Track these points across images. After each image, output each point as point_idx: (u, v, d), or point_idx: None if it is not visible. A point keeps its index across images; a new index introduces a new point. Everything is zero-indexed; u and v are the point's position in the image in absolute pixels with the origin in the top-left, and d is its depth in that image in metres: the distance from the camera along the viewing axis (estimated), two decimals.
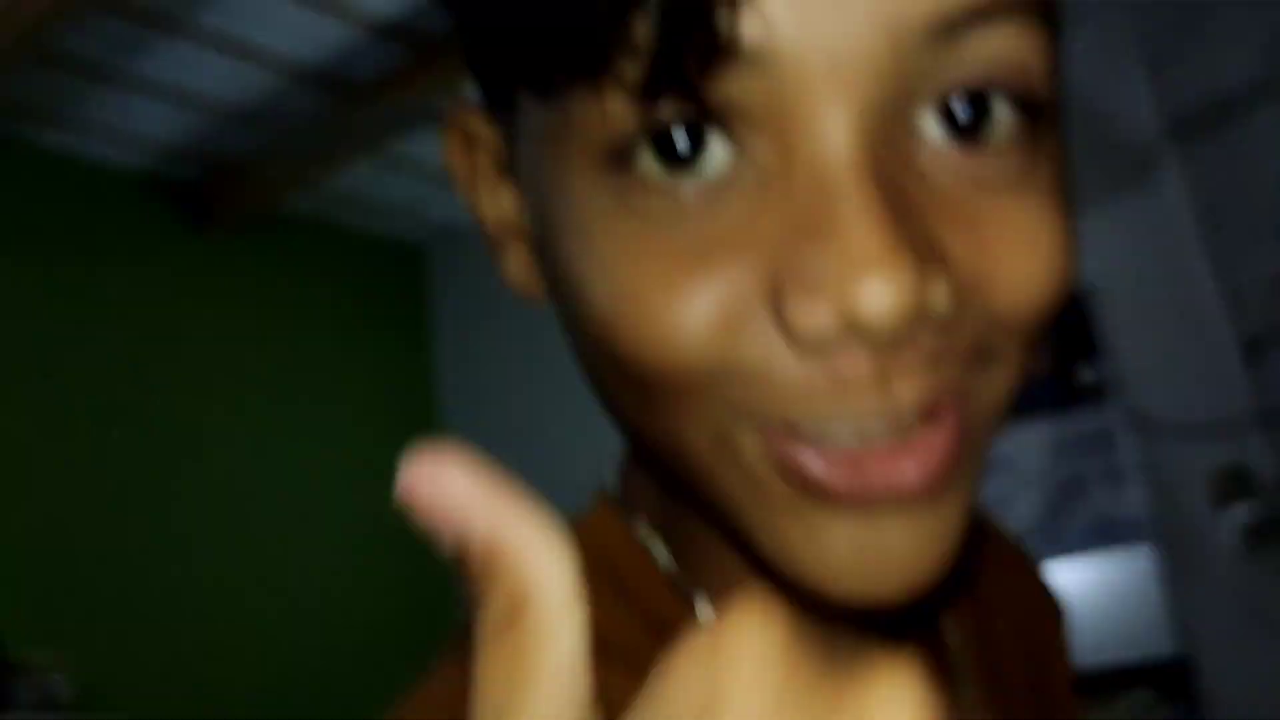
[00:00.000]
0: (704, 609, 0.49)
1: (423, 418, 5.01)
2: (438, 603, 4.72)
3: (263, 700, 4.03)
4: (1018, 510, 3.64)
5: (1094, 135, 3.70)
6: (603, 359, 0.43)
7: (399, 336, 5.08)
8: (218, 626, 4.04)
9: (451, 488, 0.30)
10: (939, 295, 0.39)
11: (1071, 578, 3.46)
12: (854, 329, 0.37)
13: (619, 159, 0.39)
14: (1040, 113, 0.42)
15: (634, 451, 0.54)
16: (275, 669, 4.12)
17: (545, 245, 0.45)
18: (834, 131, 0.37)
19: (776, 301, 0.39)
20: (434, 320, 5.18)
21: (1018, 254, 0.41)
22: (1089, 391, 3.58)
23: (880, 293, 0.36)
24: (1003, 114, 0.41)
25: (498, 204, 0.51)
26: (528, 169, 0.45)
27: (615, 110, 0.38)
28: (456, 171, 0.52)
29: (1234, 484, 3.28)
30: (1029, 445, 3.64)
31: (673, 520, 0.51)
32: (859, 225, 0.36)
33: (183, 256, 4.34)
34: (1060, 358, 3.65)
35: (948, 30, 0.38)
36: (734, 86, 0.38)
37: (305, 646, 4.25)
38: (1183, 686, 3.27)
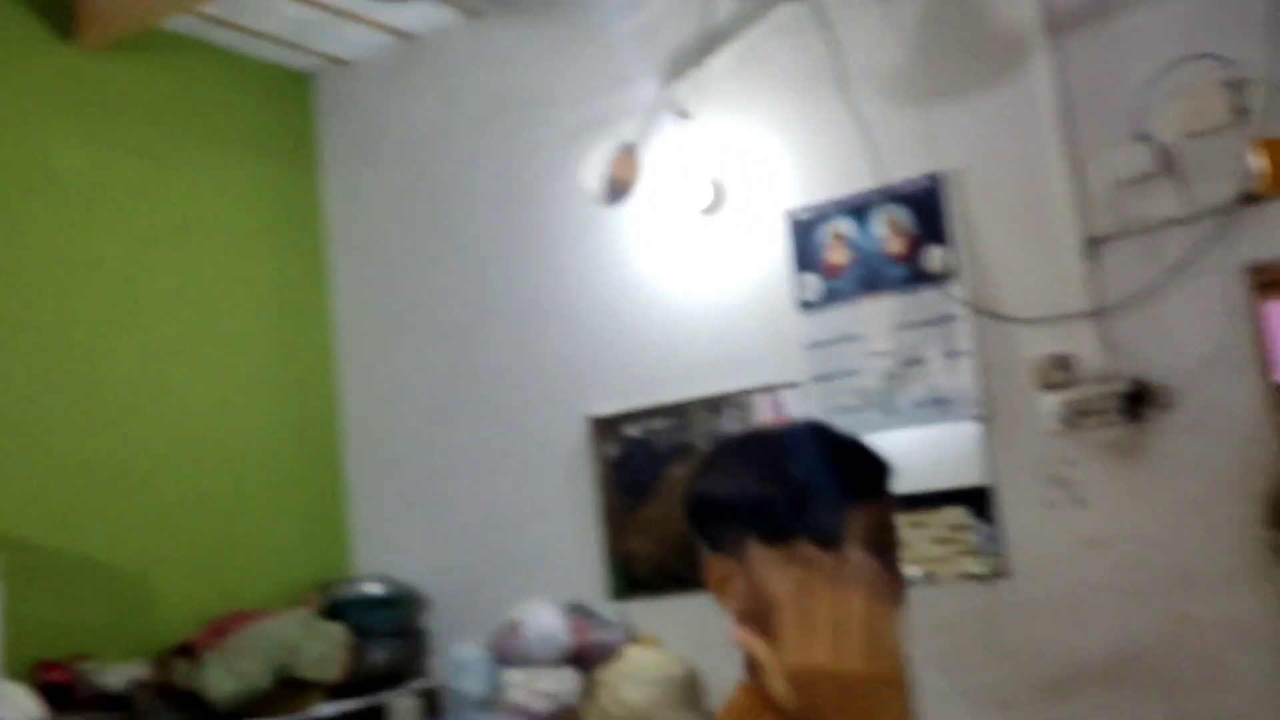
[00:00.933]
0: None
1: (309, 243, 4.87)
2: (323, 424, 4.71)
3: (153, 516, 4.02)
4: (863, 380, 3.74)
5: (972, 24, 3.64)
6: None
7: (286, 163, 4.87)
8: (108, 443, 3.98)
9: None
10: None
11: (904, 441, 3.61)
12: None
13: None
14: None
15: None
16: (166, 486, 4.09)
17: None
18: None
19: None
20: (321, 148, 4.97)
21: None
22: (936, 275, 3.65)
23: None
24: None
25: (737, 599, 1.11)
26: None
27: None
28: (717, 588, 1.14)
29: (1058, 372, 3.41)
30: (877, 321, 3.72)
31: None
32: None
33: (52, 68, 4.05)
34: (912, 241, 3.70)
35: None
36: None
37: (199, 466, 4.21)
38: (987, 508, 3.49)
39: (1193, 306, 3.26)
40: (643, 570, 4.13)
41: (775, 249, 3.95)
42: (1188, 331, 3.27)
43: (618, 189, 4.05)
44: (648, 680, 3.76)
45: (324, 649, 3.93)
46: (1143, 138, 3.35)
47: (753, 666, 1.07)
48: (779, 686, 0.92)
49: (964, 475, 3.58)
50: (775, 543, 1.06)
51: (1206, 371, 3.22)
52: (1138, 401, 3.30)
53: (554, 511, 4.30)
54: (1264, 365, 3.18)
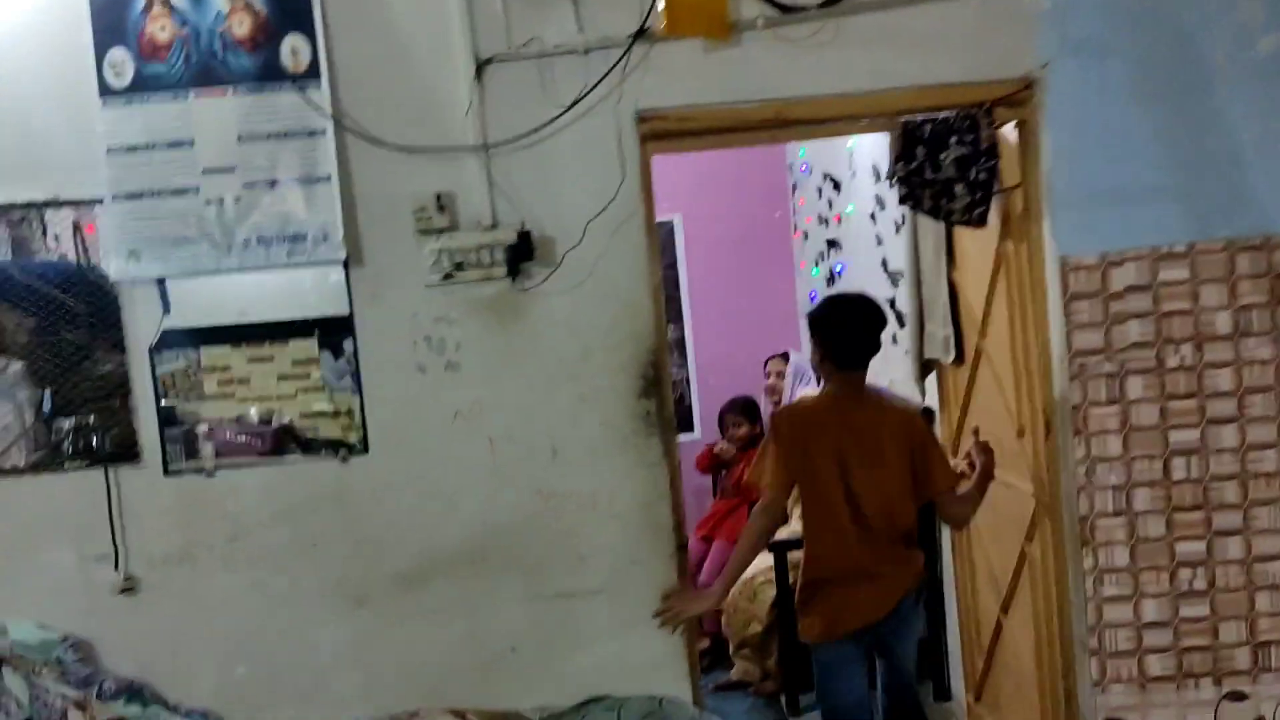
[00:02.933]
0: None
1: None
2: None
3: None
4: (190, 203, 2.68)
5: None
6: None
7: None
8: None
9: None
10: None
11: (247, 286, 2.68)
12: None
13: None
14: None
15: None
16: None
17: None
18: None
19: None
20: None
21: None
22: (294, 74, 2.67)
23: None
24: None
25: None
26: None
27: None
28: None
29: (439, 214, 2.69)
30: (213, 126, 2.66)
31: None
32: None
33: None
34: (264, 25, 2.66)
35: None
36: None
37: None
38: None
39: (583, 152, 2.73)
40: None
41: (72, 4, 2.64)
42: (575, 180, 2.73)
43: None
44: None
45: None
46: None
47: None
48: None
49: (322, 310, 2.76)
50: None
51: (592, 225, 2.73)
52: (520, 254, 2.71)
53: None
54: (649, 224, 2.77)
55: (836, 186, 5.27)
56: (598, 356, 2.78)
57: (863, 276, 4.90)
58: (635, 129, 2.73)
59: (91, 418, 2.69)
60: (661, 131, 2.75)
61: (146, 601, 2.76)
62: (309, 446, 2.75)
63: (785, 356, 5.26)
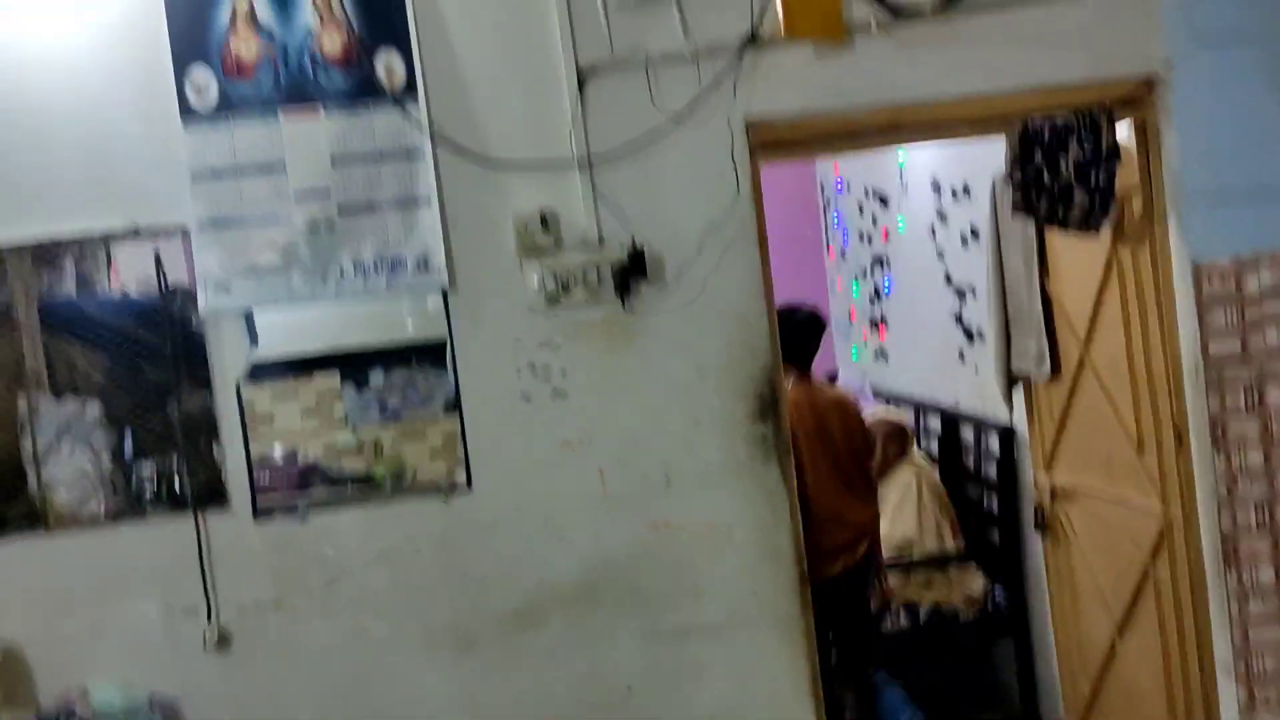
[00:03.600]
0: None
1: None
2: None
3: None
4: (281, 232, 2.48)
5: None
6: None
7: None
8: None
9: None
10: None
11: (345, 318, 2.49)
12: None
13: None
14: None
15: None
16: None
17: None
18: None
19: None
20: None
21: None
22: (389, 91, 2.49)
23: None
24: None
25: None
26: None
27: None
28: None
29: (542, 233, 2.51)
30: (304, 148, 2.47)
31: None
32: None
33: None
34: (356, 39, 2.49)
35: None
36: None
37: None
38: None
39: (692, 163, 2.55)
40: None
41: (149, 22, 2.45)
42: (684, 193, 2.56)
43: None
44: None
45: None
46: None
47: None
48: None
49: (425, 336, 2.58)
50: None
51: (704, 241, 2.55)
52: (630, 274, 2.53)
53: None
54: (761, 237, 2.60)
55: (883, 202, 5.13)
56: (711, 378, 2.59)
57: (918, 292, 4.75)
58: (746, 138, 2.56)
59: (175, 460, 2.47)
60: (772, 140, 2.59)
61: (238, 654, 2.53)
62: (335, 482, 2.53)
63: (833, 378, 5.09)
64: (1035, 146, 2.64)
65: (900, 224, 4.91)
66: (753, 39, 2.52)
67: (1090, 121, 2.61)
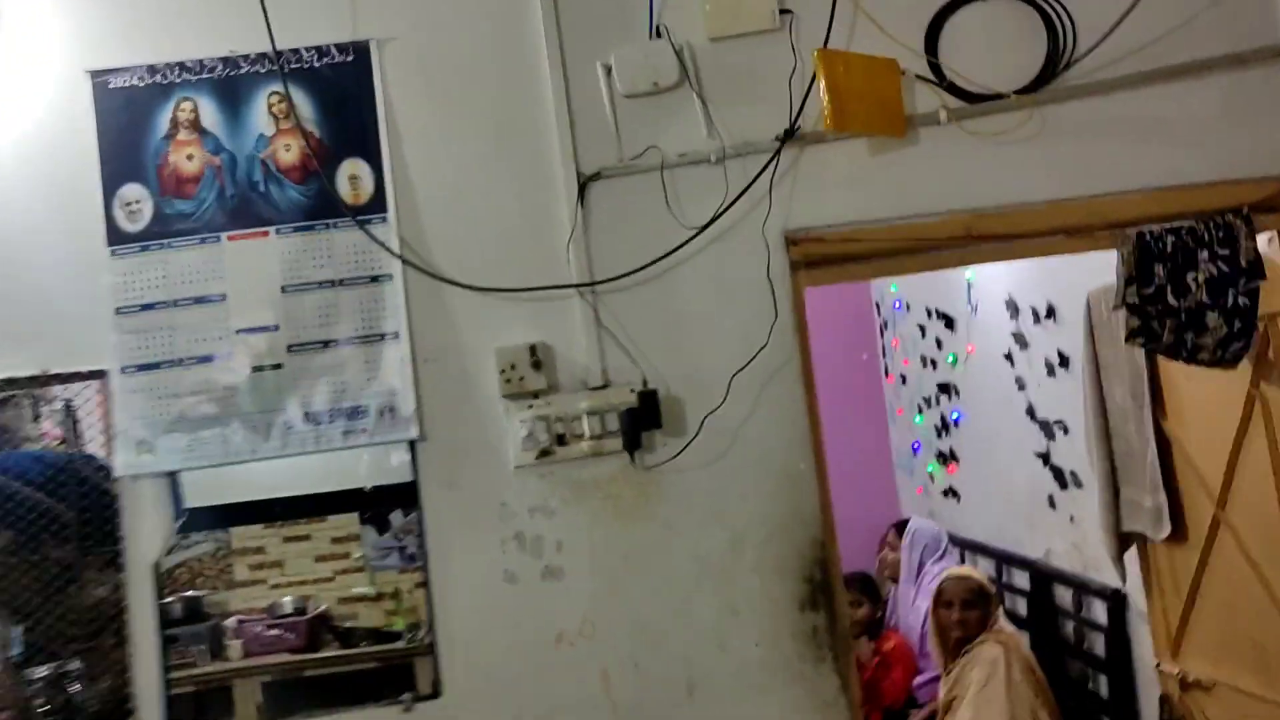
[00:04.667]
0: None
1: None
2: None
3: None
4: (222, 374, 1.99)
5: None
6: None
7: None
8: None
9: None
10: None
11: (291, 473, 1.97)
12: None
13: None
14: None
15: None
16: None
17: None
18: None
19: None
20: None
21: None
22: (353, 207, 2.03)
23: None
24: None
25: None
26: None
27: None
28: None
29: (532, 372, 1.98)
30: (252, 275, 2.01)
31: None
32: None
33: None
34: (317, 146, 2.04)
35: None
36: None
37: None
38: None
39: (719, 286, 2.03)
40: None
41: (76, 132, 2.03)
42: (710, 322, 2.03)
43: None
44: None
45: None
46: (658, 35, 2.04)
47: None
48: None
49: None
50: None
51: (736, 381, 2.00)
52: (641, 421, 1.98)
53: None
54: (807, 374, 2.03)
55: (949, 324, 4.53)
56: (748, 553, 2.00)
57: (995, 425, 4.10)
58: (786, 254, 2.03)
59: (74, 663, 1.93)
60: (819, 257, 2.05)
61: None
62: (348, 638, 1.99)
63: (901, 526, 4.38)
64: (1155, 262, 2.06)
65: (951, 359, 4.32)
66: (791, 134, 2.02)
67: (1224, 231, 2.03)
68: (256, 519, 2.09)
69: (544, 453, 1.98)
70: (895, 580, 4.08)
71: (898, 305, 5.30)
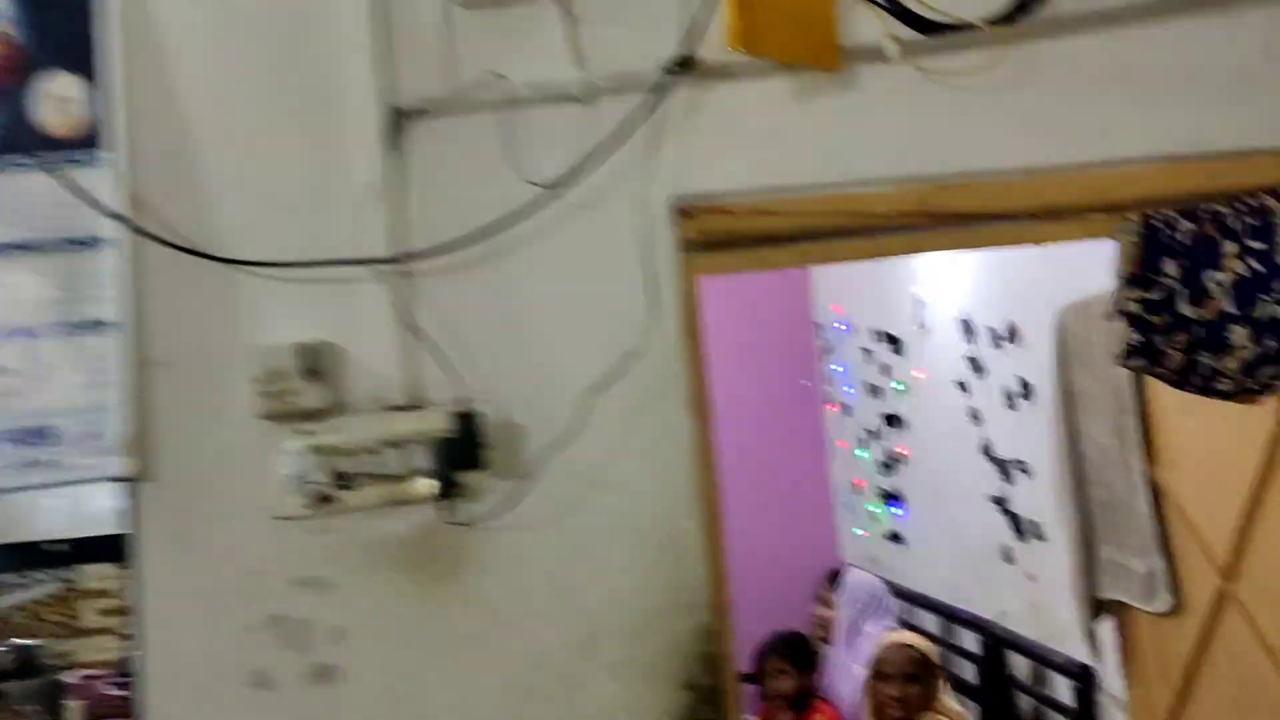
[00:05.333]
0: None
1: None
2: None
3: None
4: None
5: None
6: None
7: None
8: None
9: None
10: None
11: None
12: None
13: None
14: None
15: None
16: None
17: None
18: None
19: None
20: None
21: None
22: (53, 139, 1.40)
23: None
24: None
25: None
26: None
27: None
28: None
29: (305, 386, 1.37)
30: None
31: None
32: None
33: None
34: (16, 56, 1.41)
35: None
36: None
37: None
38: None
39: (577, 270, 1.44)
40: None
41: None
42: (564, 321, 1.43)
43: None
44: None
45: None
46: None
47: None
48: None
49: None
50: None
51: (595, 403, 1.41)
52: (460, 456, 1.37)
53: None
54: (698, 395, 1.45)
55: (895, 347, 4.01)
56: (605, 648, 1.40)
57: (946, 464, 3.56)
58: (672, 229, 1.45)
59: None
60: (721, 235, 1.47)
61: None
62: None
63: (834, 577, 3.79)
64: (1165, 257, 1.52)
65: (899, 385, 3.79)
66: (687, 64, 1.45)
67: (1258, 218, 1.50)
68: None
69: (321, 499, 1.37)
70: (829, 641, 3.51)
71: (842, 326, 4.78)
